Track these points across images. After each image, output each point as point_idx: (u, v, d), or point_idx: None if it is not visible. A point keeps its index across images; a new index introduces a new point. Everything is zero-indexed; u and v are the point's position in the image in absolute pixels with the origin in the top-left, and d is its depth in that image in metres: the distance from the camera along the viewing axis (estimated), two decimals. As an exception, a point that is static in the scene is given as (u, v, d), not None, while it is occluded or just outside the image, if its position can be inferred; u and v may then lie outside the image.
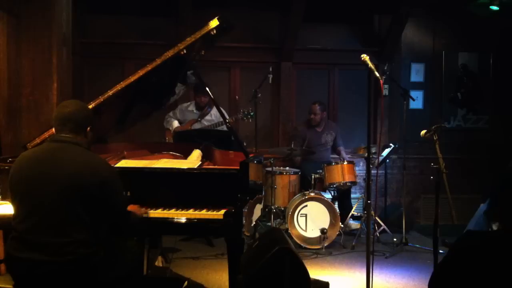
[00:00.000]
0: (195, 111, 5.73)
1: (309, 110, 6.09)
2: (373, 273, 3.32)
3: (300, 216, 5.19)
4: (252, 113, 5.43)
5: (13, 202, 2.49)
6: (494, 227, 4.63)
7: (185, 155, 3.65)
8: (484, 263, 1.84)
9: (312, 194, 5.26)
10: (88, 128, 2.60)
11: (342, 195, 5.87)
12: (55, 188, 2.35)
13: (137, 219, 2.77)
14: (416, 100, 6.33)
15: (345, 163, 5.53)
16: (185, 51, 3.23)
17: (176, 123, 5.71)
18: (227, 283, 3.04)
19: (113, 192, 2.48)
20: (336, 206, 5.47)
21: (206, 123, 5.65)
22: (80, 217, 2.36)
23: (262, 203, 5.46)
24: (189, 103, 5.83)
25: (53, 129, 2.62)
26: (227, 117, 4.03)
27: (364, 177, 4.73)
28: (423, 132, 3.92)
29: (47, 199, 2.35)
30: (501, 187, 1.98)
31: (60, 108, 2.59)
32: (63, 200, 2.35)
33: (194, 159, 3.49)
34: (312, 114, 6.04)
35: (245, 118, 5.49)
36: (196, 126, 5.64)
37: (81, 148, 2.50)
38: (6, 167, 3.04)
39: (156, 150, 3.88)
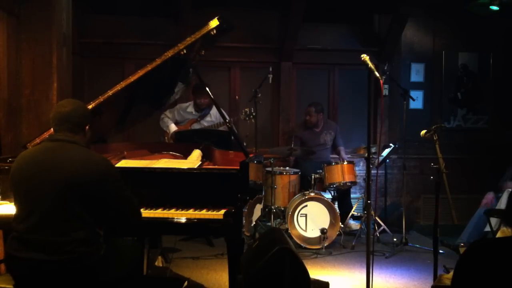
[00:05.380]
0: (194, 112, 5.68)
1: (305, 111, 6.11)
2: (373, 273, 3.32)
3: (300, 216, 5.18)
4: (254, 113, 5.37)
5: (15, 203, 2.50)
6: (494, 225, 4.63)
7: (185, 155, 3.65)
8: (495, 266, 1.84)
9: (312, 194, 5.25)
10: (87, 127, 2.58)
11: (342, 195, 5.87)
12: (54, 187, 2.34)
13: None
14: (416, 100, 6.34)
15: (345, 163, 5.53)
16: (185, 51, 3.23)
17: (173, 126, 5.60)
18: (227, 283, 3.04)
19: (114, 190, 2.46)
20: (336, 206, 5.47)
21: (205, 124, 5.63)
22: (79, 216, 2.36)
23: (262, 203, 5.45)
24: (188, 103, 5.75)
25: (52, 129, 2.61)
26: (227, 117, 4.02)
27: (364, 177, 4.73)
28: (423, 132, 3.91)
29: (46, 198, 2.35)
30: None
31: (57, 108, 2.57)
32: (62, 199, 2.34)
33: (194, 159, 3.49)
34: (307, 115, 6.05)
35: (247, 119, 5.42)
36: (195, 126, 5.62)
37: (80, 147, 2.48)
38: (6, 167, 3.04)
39: (156, 150, 3.88)
